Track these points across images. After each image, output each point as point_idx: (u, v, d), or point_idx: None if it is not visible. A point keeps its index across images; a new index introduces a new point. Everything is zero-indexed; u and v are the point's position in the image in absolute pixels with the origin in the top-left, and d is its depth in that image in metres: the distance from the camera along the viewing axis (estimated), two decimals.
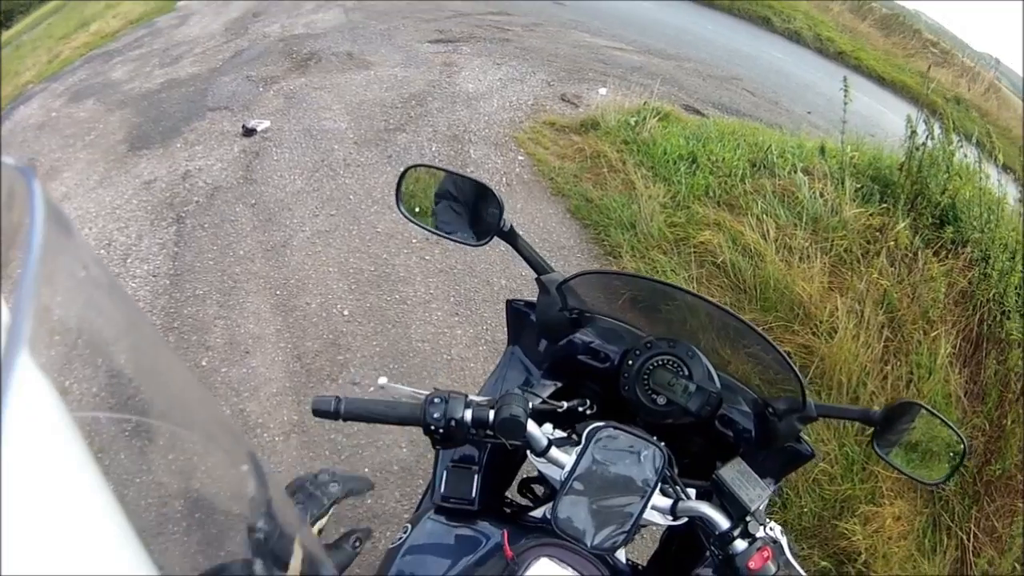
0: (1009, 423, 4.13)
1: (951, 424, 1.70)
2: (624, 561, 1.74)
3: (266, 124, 8.02)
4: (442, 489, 1.79)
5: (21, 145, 8.88)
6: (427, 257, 5.71)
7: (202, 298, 5.36)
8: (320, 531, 1.45)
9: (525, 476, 2.07)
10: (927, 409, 1.72)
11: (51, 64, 13.70)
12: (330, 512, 1.48)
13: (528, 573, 1.37)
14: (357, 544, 1.47)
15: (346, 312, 5.14)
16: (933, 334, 4.66)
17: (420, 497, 2.13)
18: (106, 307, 0.59)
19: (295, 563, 1.33)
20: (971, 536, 3.70)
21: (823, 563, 3.64)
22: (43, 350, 0.48)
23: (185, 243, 6.05)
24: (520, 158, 7.30)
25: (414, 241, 5.86)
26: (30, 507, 0.44)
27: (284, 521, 0.78)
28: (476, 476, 1.79)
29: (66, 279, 0.54)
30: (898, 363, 4.57)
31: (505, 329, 2.15)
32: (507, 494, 2.02)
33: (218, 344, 4.92)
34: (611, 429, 1.57)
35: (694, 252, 5.55)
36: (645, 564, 2.03)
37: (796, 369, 1.66)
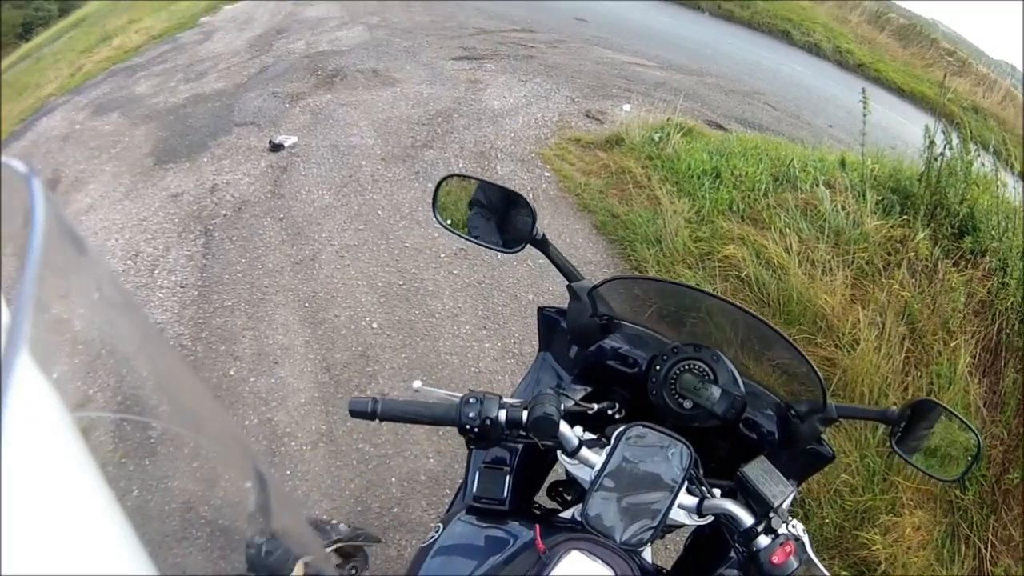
0: None
1: (966, 421, 1.74)
2: (651, 563, 1.80)
3: (293, 140, 8.09)
4: (474, 489, 1.84)
5: (45, 156, 9.00)
6: (455, 271, 5.75)
7: (230, 309, 5.41)
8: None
9: (554, 480, 2.10)
10: (943, 407, 1.76)
11: (73, 77, 13.77)
12: (332, 547, 1.48)
13: (559, 566, 1.41)
14: (353, 571, 1.49)
15: (375, 325, 5.18)
16: (953, 344, 4.66)
17: (451, 498, 2.18)
18: (120, 324, 0.61)
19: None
20: (988, 545, 3.70)
21: (843, 573, 3.66)
22: (64, 359, 0.52)
23: (213, 255, 6.11)
24: (546, 174, 7.34)
25: (443, 256, 5.92)
26: (30, 507, 0.45)
27: (285, 538, 0.81)
28: (508, 477, 1.84)
29: (80, 298, 0.57)
30: (919, 374, 4.58)
31: (533, 341, 2.20)
32: (535, 499, 2.07)
33: (246, 354, 4.96)
34: (640, 428, 1.61)
35: (718, 266, 5.58)
36: (670, 568, 2.08)
37: (817, 371, 1.71)
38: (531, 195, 6.90)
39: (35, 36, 23.75)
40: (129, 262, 6.09)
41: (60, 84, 13.50)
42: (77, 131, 9.81)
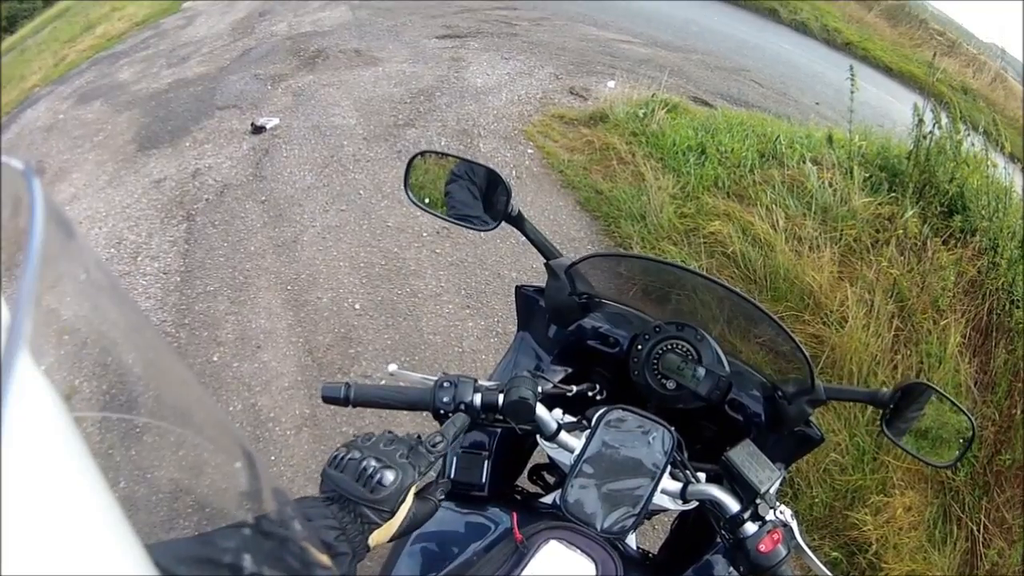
0: (1019, 413, 4.09)
1: (959, 405, 1.68)
2: (635, 547, 1.75)
3: (275, 121, 8.03)
4: (452, 474, 1.80)
5: (29, 148, 8.97)
6: (438, 250, 5.71)
7: (213, 294, 5.39)
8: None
9: (536, 464, 2.06)
10: (935, 390, 1.70)
11: (57, 67, 13.76)
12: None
13: (537, 557, 1.36)
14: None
15: (357, 306, 5.14)
16: (943, 323, 4.63)
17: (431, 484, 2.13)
18: (107, 308, 0.59)
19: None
20: (981, 527, 3.67)
21: (834, 553, 3.64)
22: (50, 350, 0.49)
23: (195, 240, 6.08)
24: (529, 151, 7.28)
25: (425, 235, 5.87)
26: (30, 507, 0.43)
27: (278, 518, 0.78)
28: (486, 462, 1.80)
29: (68, 283, 0.54)
30: (908, 352, 4.55)
31: (515, 320, 2.15)
32: (517, 483, 2.02)
33: (229, 339, 4.94)
34: (620, 411, 1.57)
35: (704, 243, 5.53)
36: (656, 551, 2.03)
37: (804, 351, 1.64)
38: (514, 172, 6.89)
39: (20, 28, 23.67)
40: (112, 250, 6.08)
41: (44, 75, 13.50)
42: (61, 121, 9.80)
